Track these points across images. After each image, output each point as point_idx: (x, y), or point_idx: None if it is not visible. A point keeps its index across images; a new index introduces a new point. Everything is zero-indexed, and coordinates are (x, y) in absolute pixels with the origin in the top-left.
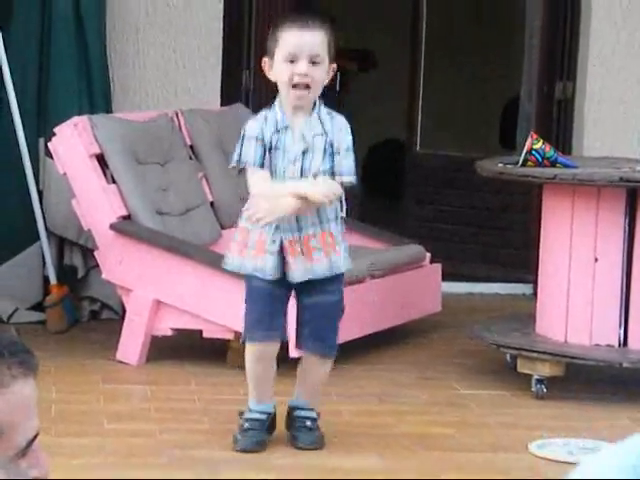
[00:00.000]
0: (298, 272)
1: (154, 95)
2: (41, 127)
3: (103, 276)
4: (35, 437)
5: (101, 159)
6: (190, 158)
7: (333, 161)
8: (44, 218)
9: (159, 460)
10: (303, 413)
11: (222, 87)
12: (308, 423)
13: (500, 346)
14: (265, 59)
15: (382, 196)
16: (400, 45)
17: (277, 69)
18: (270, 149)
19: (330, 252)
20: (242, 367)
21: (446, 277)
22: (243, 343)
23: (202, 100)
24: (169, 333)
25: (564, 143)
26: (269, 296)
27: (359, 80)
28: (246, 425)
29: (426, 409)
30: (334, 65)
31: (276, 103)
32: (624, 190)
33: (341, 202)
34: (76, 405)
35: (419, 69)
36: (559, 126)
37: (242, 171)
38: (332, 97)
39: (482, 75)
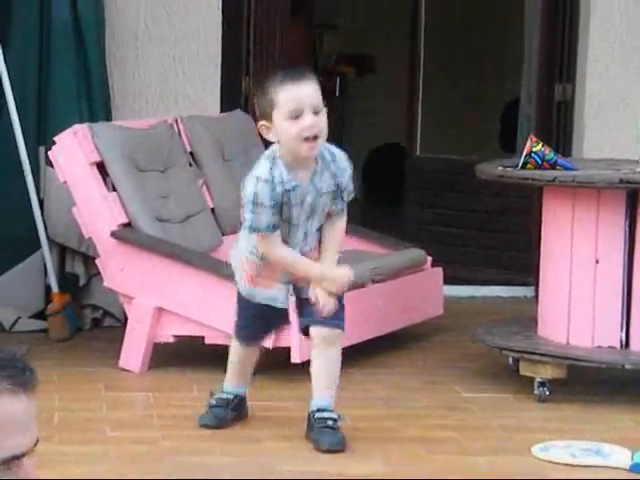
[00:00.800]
0: (306, 289)
1: (154, 102)
2: (41, 135)
3: (104, 284)
4: (21, 456)
5: (101, 167)
6: (190, 165)
7: (342, 199)
8: (45, 226)
9: (162, 467)
10: (324, 414)
11: (222, 93)
12: (330, 423)
13: (502, 349)
14: (262, 122)
15: (382, 200)
16: (399, 49)
17: (280, 129)
18: (282, 204)
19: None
20: None
21: (447, 281)
22: (234, 338)
23: (202, 107)
24: (171, 340)
25: (564, 145)
26: (259, 312)
27: (358, 85)
28: (212, 402)
29: (429, 413)
30: (325, 108)
31: (277, 159)
32: (624, 192)
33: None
34: (79, 413)
35: (418, 73)
36: (559, 128)
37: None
38: (332, 102)
39: (481, 78)
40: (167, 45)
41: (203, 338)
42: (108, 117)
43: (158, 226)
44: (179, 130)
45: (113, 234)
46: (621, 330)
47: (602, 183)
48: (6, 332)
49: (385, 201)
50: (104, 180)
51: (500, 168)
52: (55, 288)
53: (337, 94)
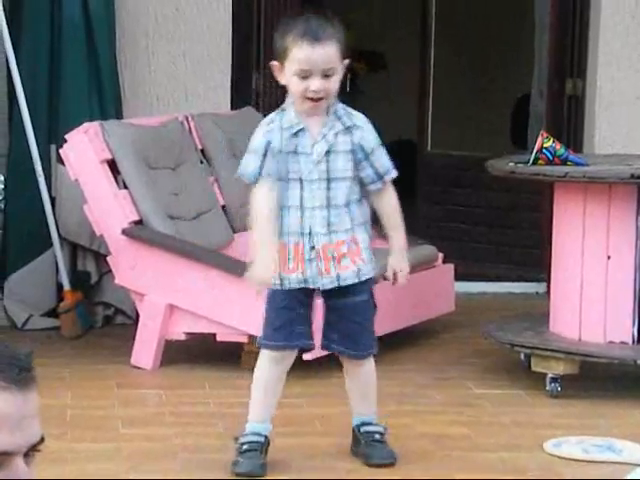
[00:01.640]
0: (328, 279)
1: (164, 100)
2: (52, 134)
3: (116, 281)
4: (9, 454)
5: (112, 165)
6: (201, 162)
7: (372, 163)
8: (57, 224)
9: (174, 464)
10: (370, 428)
11: (232, 91)
12: (377, 437)
13: (514, 345)
14: (274, 63)
15: None
16: (410, 46)
17: (288, 80)
18: (288, 153)
19: (356, 260)
20: None
21: (459, 277)
22: (259, 346)
23: (212, 104)
24: (183, 337)
25: (575, 140)
26: (291, 303)
27: (369, 81)
28: (245, 447)
29: (441, 409)
30: (347, 61)
31: (288, 104)
32: (635, 187)
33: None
34: (91, 410)
35: (429, 69)
36: (569, 123)
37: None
38: (343, 98)
39: (492, 74)
40: (177, 43)
41: (214, 335)
42: (119, 115)
43: (169, 223)
44: (190, 127)
45: (124, 232)
46: (633, 326)
47: (613, 178)
48: (18, 330)
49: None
50: (115, 178)
51: (511, 164)
52: (67, 286)
53: (348, 90)
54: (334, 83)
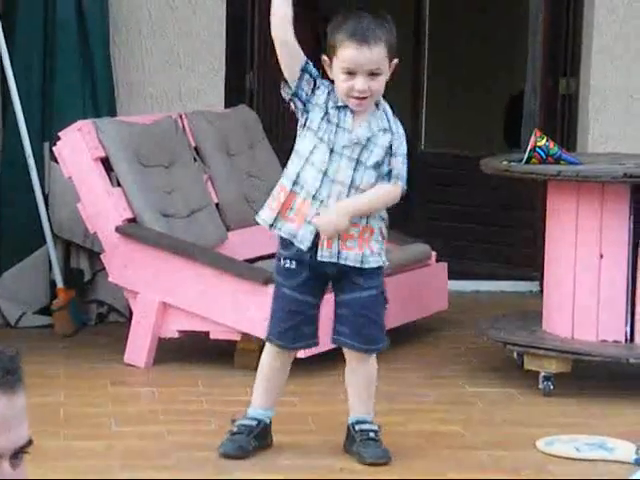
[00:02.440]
0: (327, 252)
1: (158, 98)
2: (46, 131)
3: (109, 279)
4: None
5: (106, 162)
6: (195, 160)
7: (390, 163)
8: (50, 222)
9: (167, 462)
10: (365, 426)
11: (226, 89)
12: (372, 435)
13: (507, 343)
14: (324, 57)
15: None
16: (403, 44)
17: (335, 75)
18: (328, 121)
19: (364, 246)
20: (249, 368)
21: (452, 275)
22: (266, 340)
23: (206, 102)
24: (176, 335)
25: (568, 139)
26: (301, 306)
27: None
28: (234, 429)
29: (434, 407)
30: (396, 60)
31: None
32: (628, 186)
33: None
34: (84, 408)
35: (422, 68)
36: (563, 122)
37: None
38: None
39: (486, 72)
40: (171, 40)
41: (208, 333)
42: (112, 113)
43: (163, 221)
44: (183, 125)
45: (118, 229)
46: (626, 324)
47: (606, 177)
48: (11, 328)
49: None
50: (109, 175)
51: (505, 163)
52: (60, 283)
53: None
54: (380, 83)
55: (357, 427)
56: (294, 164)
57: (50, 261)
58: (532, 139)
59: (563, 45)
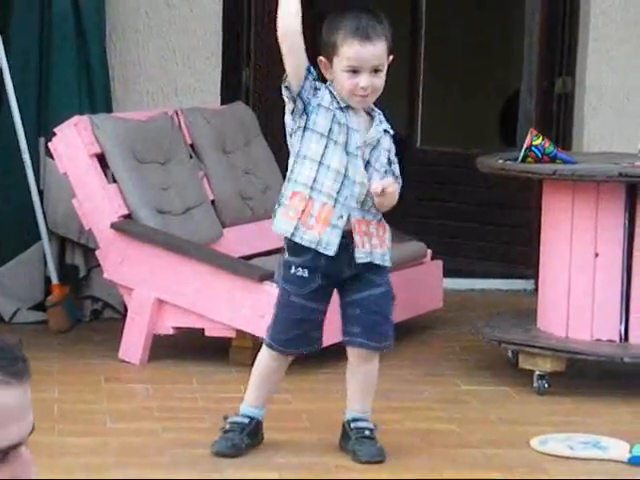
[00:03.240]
0: (363, 252)
1: (154, 94)
2: (42, 127)
3: (104, 275)
4: (17, 445)
5: (101, 158)
6: (190, 157)
7: (392, 170)
8: (45, 218)
9: (161, 459)
10: (361, 424)
11: (222, 85)
12: (367, 433)
13: (501, 342)
14: (321, 58)
15: None
16: (399, 41)
17: (336, 75)
18: (339, 123)
19: (383, 244)
20: (244, 365)
21: (447, 273)
22: (266, 345)
23: (202, 98)
24: (171, 332)
25: (564, 138)
26: (310, 314)
27: None
28: (227, 427)
29: (428, 405)
30: (391, 57)
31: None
32: (624, 185)
33: None
34: (78, 404)
35: (419, 65)
36: (559, 121)
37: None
38: None
39: (482, 71)
40: (168, 37)
41: (203, 330)
42: (108, 109)
43: (158, 218)
44: (179, 122)
45: (113, 226)
46: (620, 323)
47: (601, 177)
48: (5, 323)
49: None
50: (104, 172)
51: (500, 161)
52: (55, 279)
53: None
54: (381, 79)
55: (353, 425)
56: (306, 168)
57: (45, 257)
58: (528, 138)
59: (559, 45)
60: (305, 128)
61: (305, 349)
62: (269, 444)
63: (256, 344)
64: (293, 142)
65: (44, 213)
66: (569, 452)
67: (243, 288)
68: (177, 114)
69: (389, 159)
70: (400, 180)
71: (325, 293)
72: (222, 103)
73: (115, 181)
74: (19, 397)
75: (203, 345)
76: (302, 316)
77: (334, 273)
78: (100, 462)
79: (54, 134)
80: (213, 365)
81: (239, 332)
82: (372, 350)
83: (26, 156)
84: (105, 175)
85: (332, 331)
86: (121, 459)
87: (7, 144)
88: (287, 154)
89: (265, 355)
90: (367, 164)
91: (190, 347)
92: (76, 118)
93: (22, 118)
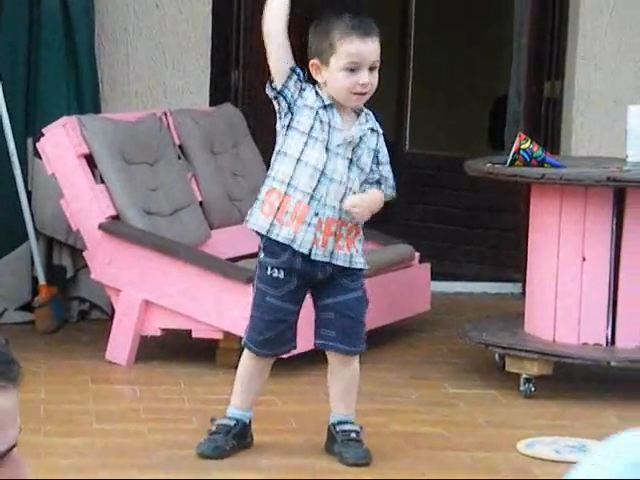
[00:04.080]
0: (321, 251)
1: (143, 95)
2: (30, 127)
3: (92, 276)
4: (12, 447)
5: (90, 159)
6: (179, 158)
7: (379, 170)
8: (33, 218)
9: (148, 460)
10: (346, 427)
11: (211, 87)
12: (353, 435)
13: (489, 345)
14: (314, 61)
15: None
16: (388, 45)
17: (333, 76)
18: (320, 120)
19: (351, 246)
20: (231, 366)
21: (435, 276)
22: (244, 346)
23: (191, 100)
24: (158, 333)
25: (552, 142)
26: (285, 315)
27: None
28: (213, 429)
29: (415, 408)
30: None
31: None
32: (611, 190)
33: None
34: (65, 405)
35: (408, 69)
36: (547, 125)
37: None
38: None
39: (471, 74)
40: (157, 38)
41: (190, 332)
42: (97, 109)
43: (146, 219)
44: (168, 123)
45: (101, 226)
46: (607, 327)
47: (589, 181)
48: None
49: None
50: (92, 172)
51: (489, 165)
52: (42, 280)
53: None
54: (376, 77)
55: (338, 427)
56: (284, 165)
57: (32, 258)
58: (516, 142)
59: (548, 49)
60: (289, 127)
61: (280, 350)
62: (256, 446)
63: (243, 346)
64: (278, 141)
65: (32, 213)
66: (555, 456)
67: (231, 290)
68: (166, 115)
69: (377, 159)
70: (391, 182)
71: (301, 294)
72: (211, 105)
73: (103, 182)
74: (15, 400)
75: (190, 346)
76: (279, 316)
77: (309, 273)
78: (86, 463)
79: (42, 134)
80: (200, 366)
81: (226, 334)
82: (344, 354)
83: (14, 156)
84: (93, 176)
85: None
86: (107, 460)
87: None
88: None
89: (247, 356)
90: (350, 162)
91: (177, 348)
92: (64, 119)
93: (10, 118)
